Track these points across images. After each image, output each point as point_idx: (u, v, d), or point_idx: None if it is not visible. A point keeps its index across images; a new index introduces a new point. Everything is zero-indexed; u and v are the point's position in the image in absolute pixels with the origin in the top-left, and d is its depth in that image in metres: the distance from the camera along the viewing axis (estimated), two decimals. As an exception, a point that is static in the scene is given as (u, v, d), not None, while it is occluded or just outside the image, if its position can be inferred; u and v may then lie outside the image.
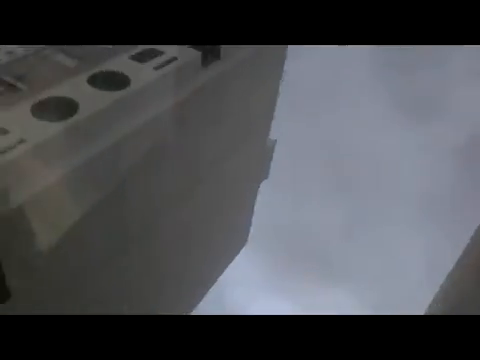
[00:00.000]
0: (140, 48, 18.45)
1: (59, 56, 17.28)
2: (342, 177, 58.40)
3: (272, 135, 31.23)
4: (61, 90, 15.23)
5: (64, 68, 16.72)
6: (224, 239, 32.78)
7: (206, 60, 19.77)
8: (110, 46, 17.37)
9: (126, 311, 20.19)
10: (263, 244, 43.89)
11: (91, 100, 14.98)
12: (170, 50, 18.68)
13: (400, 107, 60.10)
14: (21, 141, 12.94)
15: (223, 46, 20.37)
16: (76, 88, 15.49)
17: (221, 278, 35.15)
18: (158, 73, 17.27)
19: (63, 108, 14.53)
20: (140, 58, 18.05)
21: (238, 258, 37.02)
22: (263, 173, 33.43)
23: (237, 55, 21.32)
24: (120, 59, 17.62)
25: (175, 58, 18.24)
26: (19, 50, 17.22)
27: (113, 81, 16.27)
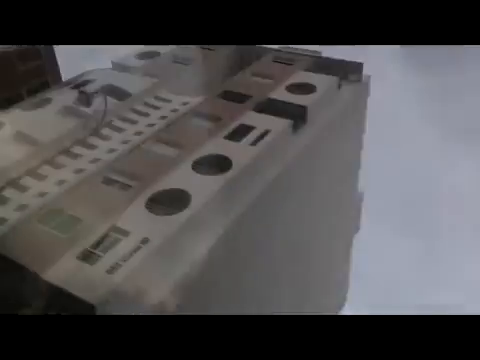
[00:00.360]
0: (232, 127, 18.63)
1: (158, 147, 17.70)
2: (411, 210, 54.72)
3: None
4: (170, 182, 15.38)
5: (165, 158, 17.02)
6: (325, 301, 31.18)
7: (295, 126, 19.55)
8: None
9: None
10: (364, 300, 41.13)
11: (201, 188, 14.95)
12: (261, 124, 18.69)
13: (454, 133, 56.87)
14: (144, 241, 12.92)
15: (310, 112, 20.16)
16: (183, 177, 15.60)
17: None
18: (256, 149, 17.15)
19: (176, 200, 14.55)
20: (233, 137, 18.14)
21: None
22: (355, 226, 32.04)
23: (323, 116, 21.01)
24: (216, 140, 17.78)
25: (268, 130, 18.15)
26: (120, 147, 17.88)
27: (215, 164, 16.30)
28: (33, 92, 28.86)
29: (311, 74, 23.01)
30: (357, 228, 33.19)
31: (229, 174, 15.74)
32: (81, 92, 19.07)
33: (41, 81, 31.97)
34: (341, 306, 35.84)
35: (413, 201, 54.66)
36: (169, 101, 21.48)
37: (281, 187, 17.73)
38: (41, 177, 16.05)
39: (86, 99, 18.49)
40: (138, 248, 12.66)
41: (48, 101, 20.44)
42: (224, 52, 26.45)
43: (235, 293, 16.98)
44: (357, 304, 38.39)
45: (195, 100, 21.23)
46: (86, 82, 22.09)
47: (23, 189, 15.53)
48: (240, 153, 16.80)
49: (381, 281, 47.98)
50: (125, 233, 13.22)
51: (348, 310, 36.44)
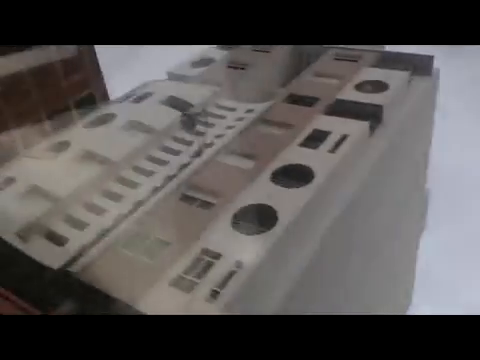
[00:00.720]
0: (305, 133, 17.65)
1: (232, 159, 16.93)
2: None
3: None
4: (251, 197, 14.57)
5: (241, 170, 16.22)
6: (394, 302, 29.80)
7: (371, 128, 18.36)
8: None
9: None
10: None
11: (285, 202, 14.04)
12: (336, 128, 17.62)
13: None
14: (238, 264, 12.14)
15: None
16: (264, 191, 14.75)
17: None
18: (337, 156, 16.09)
19: (262, 217, 13.73)
20: (309, 144, 17.15)
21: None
22: (421, 225, 30.46)
23: (397, 114, 19.70)
24: (291, 149, 16.84)
25: (346, 135, 17.05)
26: (192, 161, 17.21)
27: (295, 175, 15.37)
28: (80, 105, 28.84)
29: (379, 70, 21.72)
30: (423, 227, 31.63)
31: (313, 185, 14.77)
32: (185, 115, 18.10)
33: (87, 94, 31.99)
34: (407, 306, 34.44)
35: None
36: (233, 109, 20.72)
37: (364, 194, 16.60)
38: (118, 197, 15.56)
39: (191, 122, 17.54)
40: (233, 272, 11.88)
41: (111, 116, 20.04)
42: (280, 53, 25.47)
43: (321, 306, 16.06)
44: (421, 303, 36.87)
45: (260, 106, 20.37)
46: (147, 95, 21.64)
47: (101, 212, 15.08)
48: (320, 161, 15.79)
49: (445, 280, 45.93)
50: (216, 256, 12.49)
51: (413, 310, 35.11)
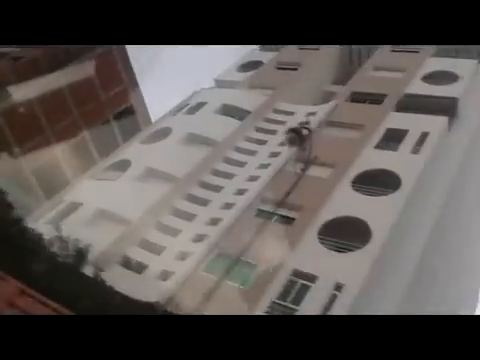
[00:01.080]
0: (379, 134, 16.43)
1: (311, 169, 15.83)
2: None
3: None
4: (335, 209, 13.50)
5: (317, 179, 15.16)
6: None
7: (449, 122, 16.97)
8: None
9: None
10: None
11: (375, 213, 12.90)
12: (413, 125, 16.32)
13: None
14: (338, 287, 11.09)
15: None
16: (348, 201, 13.66)
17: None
18: (422, 158, 14.82)
19: (352, 230, 12.64)
20: (386, 145, 15.93)
21: None
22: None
23: (471, 107, 18.17)
24: (367, 152, 15.67)
25: (426, 133, 15.75)
26: (261, 173, 16.25)
27: (378, 181, 14.19)
28: (120, 118, 28.28)
29: (445, 59, 20.19)
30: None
31: (402, 191, 13.57)
32: (291, 131, 16.75)
33: (126, 106, 31.47)
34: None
35: None
36: (292, 113, 19.63)
37: (454, 195, 15.25)
38: (190, 217, 14.77)
39: (299, 138, 16.06)
40: (334, 297, 10.85)
41: (168, 130, 19.32)
42: (330, 49, 24.16)
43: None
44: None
45: (322, 108, 19.23)
46: (200, 105, 20.85)
47: (174, 233, 14.32)
48: (405, 165, 14.56)
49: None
50: (311, 278, 11.48)
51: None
